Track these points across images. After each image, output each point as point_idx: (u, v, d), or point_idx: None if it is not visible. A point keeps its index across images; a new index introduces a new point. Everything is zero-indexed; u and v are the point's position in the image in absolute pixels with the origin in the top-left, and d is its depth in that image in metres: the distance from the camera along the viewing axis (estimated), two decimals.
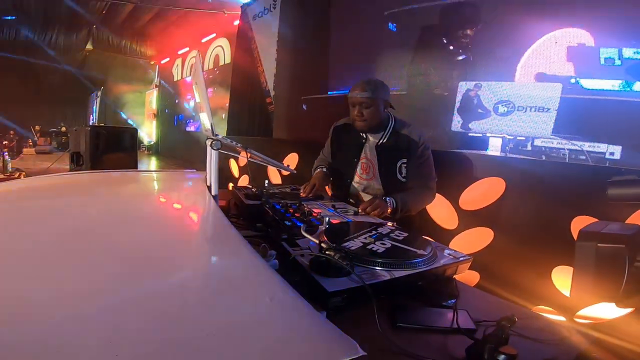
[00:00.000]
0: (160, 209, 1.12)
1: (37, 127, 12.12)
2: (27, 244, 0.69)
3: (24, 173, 6.13)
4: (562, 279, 1.69)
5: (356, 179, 1.71)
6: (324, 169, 1.77)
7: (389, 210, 1.43)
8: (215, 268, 0.64)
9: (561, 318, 1.60)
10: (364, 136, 1.66)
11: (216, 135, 1.07)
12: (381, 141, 1.62)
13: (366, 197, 1.67)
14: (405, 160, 1.58)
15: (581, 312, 1.64)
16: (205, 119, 1.26)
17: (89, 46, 11.48)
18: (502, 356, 0.52)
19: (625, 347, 0.72)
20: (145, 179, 1.76)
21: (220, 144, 1.05)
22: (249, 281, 0.55)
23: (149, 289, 0.51)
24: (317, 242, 0.88)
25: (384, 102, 1.56)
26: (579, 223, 1.60)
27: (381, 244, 0.88)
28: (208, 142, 1.10)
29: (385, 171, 1.62)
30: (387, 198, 1.46)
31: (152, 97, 13.63)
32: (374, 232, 0.98)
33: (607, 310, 1.56)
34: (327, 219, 1.07)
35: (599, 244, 0.83)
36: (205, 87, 1.07)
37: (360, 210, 1.34)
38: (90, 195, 1.28)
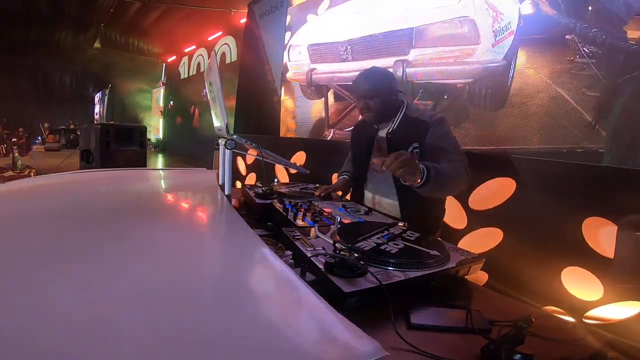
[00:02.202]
0: (177, 209, 1.14)
1: (46, 125, 12.29)
2: (55, 243, 0.70)
3: (34, 170, 6.21)
4: (572, 280, 1.68)
5: (370, 170, 1.62)
6: (347, 177, 1.73)
7: (417, 181, 1.16)
8: (237, 270, 0.65)
9: (570, 319, 1.60)
10: (376, 127, 1.59)
11: (230, 134, 1.08)
12: (391, 128, 1.53)
13: (376, 196, 1.61)
14: (417, 145, 1.44)
15: (590, 313, 1.64)
16: (218, 118, 1.27)
17: (96, 44, 11.60)
18: (519, 356, 0.53)
19: (638, 347, 0.72)
20: (158, 178, 1.78)
21: (234, 144, 1.06)
22: (273, 283, 0.56)
23: (176, 292, 0.52)
24: (331, 242, 0.89)
25: (388, 90, 1.51)
26: (591, 224, 1.59)
27: (394, 244, 0.89)
28: (222, 142, 1.11)
29: None
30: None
31: (159, 95, 13.75)
32: (386, 232, 0.99)
33: (616, 311, 1.56)
34: (338, 218, 1.08)
35: (638, 233, 0.86)
36: (221, 87, 1.08)
37: (381, 166, 1.09)
38: (98, 194, 1.31)
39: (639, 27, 1.68)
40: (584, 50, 1.87)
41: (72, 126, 13.23)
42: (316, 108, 3.99)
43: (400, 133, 1.50)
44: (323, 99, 3.85)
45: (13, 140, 9.18)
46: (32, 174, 5.73)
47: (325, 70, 3.79)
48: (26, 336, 0.39)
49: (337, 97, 3.69)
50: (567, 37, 1.94)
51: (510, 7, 2.24)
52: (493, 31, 2.32)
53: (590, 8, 1.86)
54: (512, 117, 2.20)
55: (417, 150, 1.45)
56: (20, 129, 10.93)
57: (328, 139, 3.68)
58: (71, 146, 11.55)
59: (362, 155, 1.66)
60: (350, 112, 3.53)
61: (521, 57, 2.17)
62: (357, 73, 1.54)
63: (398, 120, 1.53)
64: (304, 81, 4.06)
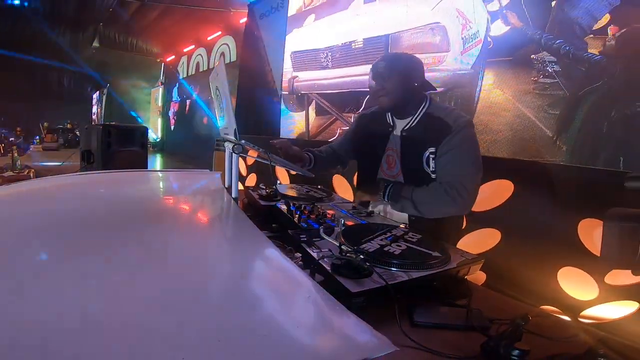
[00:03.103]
0: (188, 212, 1.16)
1: (45, 124, 12.24)
2: (71, 248, 0.73)
3: (33, 170, 6.19)
4: (568, 280, 1.72)
5: (381, 175, 1.45)
6: (310, 155, 1.70)
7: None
8: (253, 271, 0.68)
9: (566, 318, 1.64)
10: (391, 124, 1.40)
11: (239, 138, 1.10)
12: (408, 126, 1.33)
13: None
14: (433, 150, 1.25)
15: (586, 312, 1.68)
16: (226, 123, 1.30)
17: (95, 44, 11.56)
18: (516, 351, 0.57)
19: (631, 346, 0.76)
20: (164, 180, 1.80)
21: (242, 148, 1.09)
22: (286, 283, 0.59)
23: (195, 293, 0.55)
24: (337, 244, 0.92)
25: (410, 76, 1.30)
26: (587, 225, 1.64)
27: (397, 245, 0.92)
28: (229, 146, 1.14)
29: (407, 163, 1.33)
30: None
31: (158, 94, 13.73)
32: (388, 234, 1.02)
33: (610, 311, 1.61)
34: (342, 220, 1.11)
35: (621, 223, 0.91)
36: (229, 92, 1.11)
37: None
38: (104, 197, 1.33)
39: (600, 43, 1.76)
40: (547, 69, 1.96)
41: (69, 126, 13.19)
42: (299, 123, 4.12)
43: (418, 133, 1.31)
44: (304, 112, 3.94)
45: (11, 139, 9.16)
46: (31, 175, 5.72)
47: (307, 77, 3.85)
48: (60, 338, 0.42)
49: (319, 112, 3.75)
50: (532, 56, 2.03)
51: (478, 15, 2.29)
52: (462, 38, 2.37)
53: (553, 18, 1.94)
54: (478, 134, 2.26)
55: (433, 156, 1.27)
56: (18, 129, 10.88)
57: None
58: (69, 146, 11.53)
59: (372, 150, 1.47)
60: (329, 126, 3.62)
61: (489, 79, 2.25)
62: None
63: (418, 118, 1.33)
64: (286, 89, 4.15)
